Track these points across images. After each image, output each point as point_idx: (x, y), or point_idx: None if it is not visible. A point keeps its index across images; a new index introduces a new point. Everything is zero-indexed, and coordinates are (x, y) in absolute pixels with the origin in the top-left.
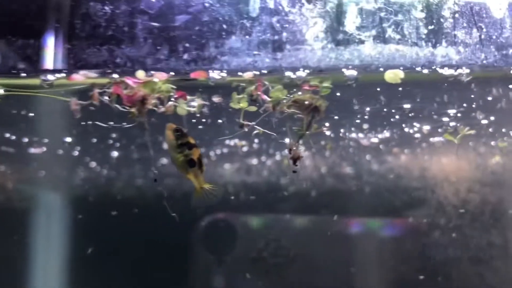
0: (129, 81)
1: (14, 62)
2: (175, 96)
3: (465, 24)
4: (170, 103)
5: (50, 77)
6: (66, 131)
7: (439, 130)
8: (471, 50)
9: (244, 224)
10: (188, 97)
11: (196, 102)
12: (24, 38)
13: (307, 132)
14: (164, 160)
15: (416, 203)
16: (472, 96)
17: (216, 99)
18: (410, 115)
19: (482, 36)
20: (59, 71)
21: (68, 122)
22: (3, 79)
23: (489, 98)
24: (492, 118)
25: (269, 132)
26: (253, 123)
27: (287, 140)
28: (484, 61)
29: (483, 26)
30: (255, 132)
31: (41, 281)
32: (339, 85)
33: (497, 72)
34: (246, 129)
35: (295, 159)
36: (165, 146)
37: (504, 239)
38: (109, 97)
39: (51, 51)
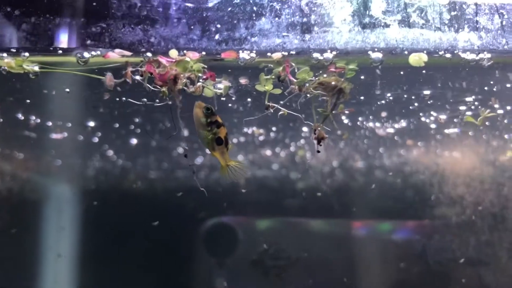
0: (163, 59)
1: (50, 40)
2: (204, 77)
3: (487, 11)
4: (198, 83)
5: (86, 54)
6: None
7: (455, 120)
8: (493, 36)
9: (246, 227)
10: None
11: (222, 84)
12: (60, 16)
13: (333, 112)
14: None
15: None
16: (492, 82)
17: (242, 81)
18: (429, 102)
19: (504, 22)
20: (95, 49)
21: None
22: (38, 57)
23: (508, 85)
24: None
25: (294, 114)
26: (280, 103)
27: (302, 130)
28: (505, 47)
29: (504, 13)
30: (280, 113)
31: (52, 272)
32: (364, 68)
33: None
34: (271, 110)
35: (320, 139)
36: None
37: None
38: (141, 75)
39: (86, 30)
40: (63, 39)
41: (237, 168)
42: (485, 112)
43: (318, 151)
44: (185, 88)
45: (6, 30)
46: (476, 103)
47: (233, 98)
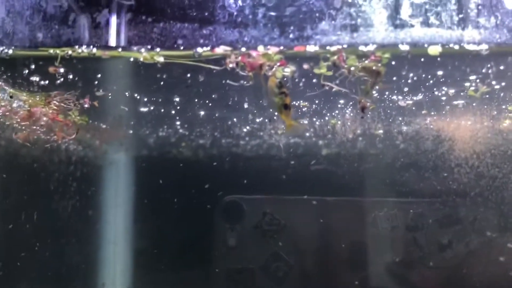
0: (253, 52)
1: (174, 39)
2: (278, 64)
3: (485, 13)
4: (274, 68)
5: (199, 49)
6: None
7: (461, 93)
8: (489, 32)
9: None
10: None
11: (289, 69)
12: (181, 22)
13: (372, 89)
14: None
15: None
16: (488, 66)
17: (305, 66)
18: (441, 80)
19: (498, 22)
20: (206, 46)
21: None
22: (165, 51)
23: (502, 67)
24: (503, 83)
25: (343, 90)
26: (334, 82)
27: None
28: (498, 40)
29: (498, 15)
30: (334, 89)
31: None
32: (396, 57)
33: (509, 48)
34: (327, 88)
35: (363, 108)
36: None
37: None
38: (236, 64)
39: (199, 32)
40: (183, 39)
41: (298, 127)
42: (483, 88)
43: (362, 117)
44: (265, 72)
45: (143, 32)
46: (477, 81)
47: (296, 80)
